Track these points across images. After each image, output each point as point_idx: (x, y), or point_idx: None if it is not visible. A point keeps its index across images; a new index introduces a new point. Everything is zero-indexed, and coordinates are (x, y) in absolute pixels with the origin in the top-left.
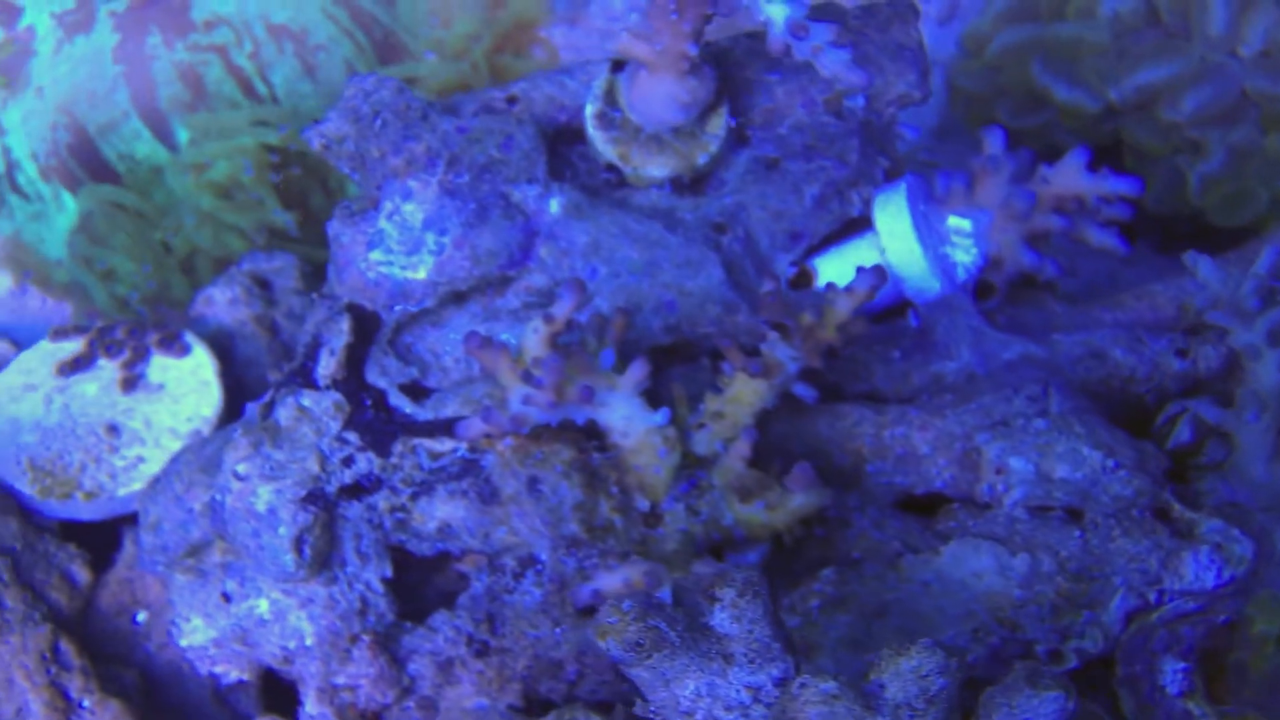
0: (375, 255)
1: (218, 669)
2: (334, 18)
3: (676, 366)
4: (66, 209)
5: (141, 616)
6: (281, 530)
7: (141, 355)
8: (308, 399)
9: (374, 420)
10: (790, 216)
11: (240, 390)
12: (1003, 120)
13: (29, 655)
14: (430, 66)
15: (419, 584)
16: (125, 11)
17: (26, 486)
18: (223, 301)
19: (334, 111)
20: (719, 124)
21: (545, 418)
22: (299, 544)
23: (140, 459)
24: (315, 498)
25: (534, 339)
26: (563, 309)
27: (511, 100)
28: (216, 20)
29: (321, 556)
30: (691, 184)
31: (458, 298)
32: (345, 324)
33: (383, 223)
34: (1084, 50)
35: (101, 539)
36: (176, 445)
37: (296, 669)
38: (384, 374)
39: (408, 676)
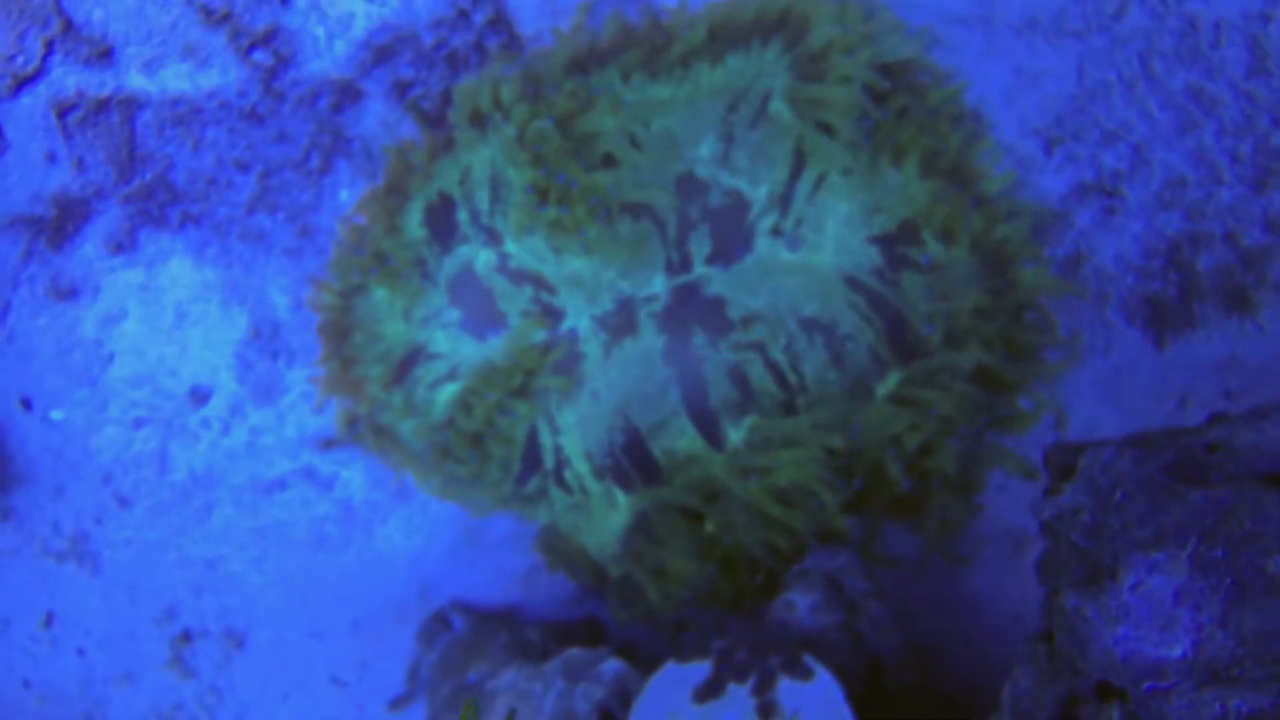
0: (1123, 630)
1: None
2: (855, 305)
3: None
4: (618, 505)
5: None
6: None
7: (769, 680)
8: None
9: None
10: None
11: None
12: None
13: None
14: (953, 359)
15: None
16: (663, 312)
17: None
18: (805, 607)
19: (1071, 486)
20: None
21: None
22: None
23: None
24: None
25: None
26: None
27: (1213, 449)
28: (753, 317)
29: None
30: None
31: (1215, 676)
32: (1116, 713)
33: (1127, 597)
34: None
35: None
36: None
37: None
38: None
39: None
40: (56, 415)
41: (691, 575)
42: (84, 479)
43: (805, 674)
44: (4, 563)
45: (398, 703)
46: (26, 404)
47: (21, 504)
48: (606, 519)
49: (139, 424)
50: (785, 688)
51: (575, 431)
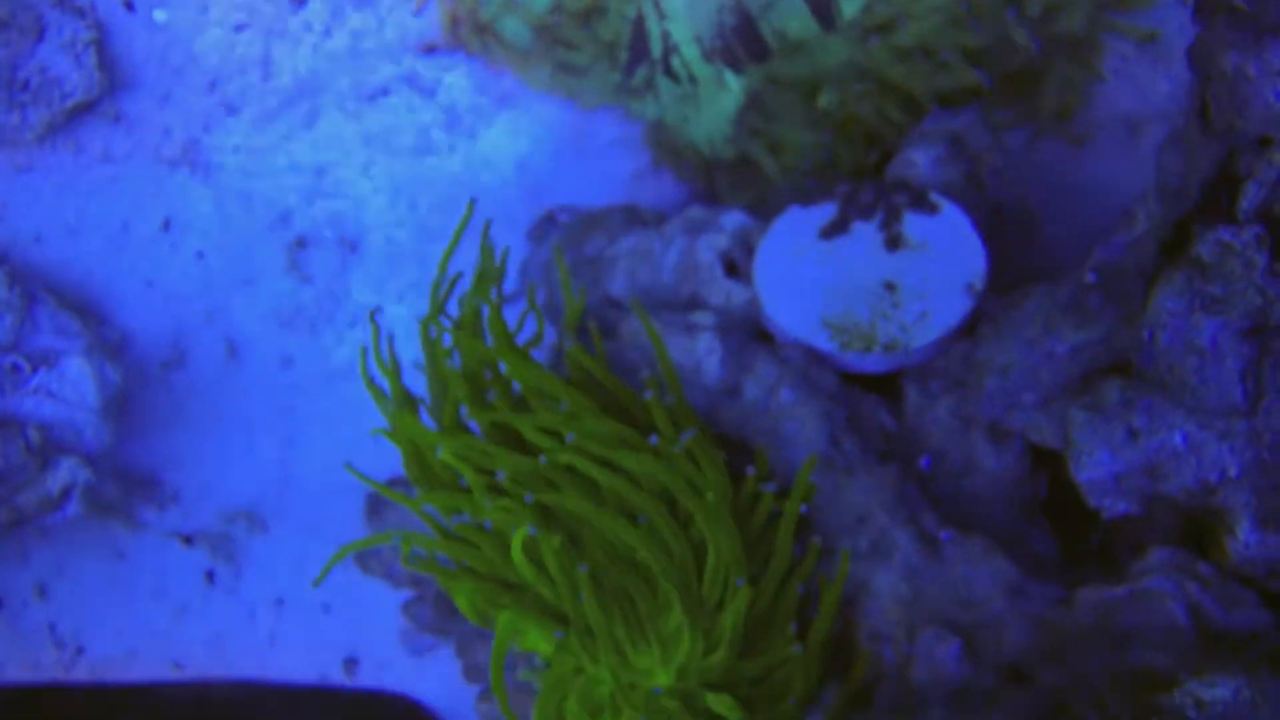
0: None
1: (1106, 501)
2: None
3: None
4: (729, 87)
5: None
6: (1229, 363)
7: (896, 215)
8: (1227, 234)
9: None
10: None
11: None
12: None
13: (885, 491)
14: None
15: None
16: None
17: (827, 342)
18: (926, 163)
19: None
20: None
21: None
22: (1245, 376)
23: (925, 312)
24: (1258, 331)
25: None
26: None
27: None
28: None
29: (1259, 388)
30: None
31: None
32: (1278, 156)
33: None
34: None
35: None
36: (956, 299)
37: (1222, 499)
38: None
39: None
40: (159, 16)
41: (808, 145)
42: (190, 85)
43: (932, 208)
44: (119, 168)
45: (510, 296)
46: (129, 4)
47: (131, 108)
48: (716, 103)
49: (240, 28)
50: (912, 220)
51: (683, 15)
